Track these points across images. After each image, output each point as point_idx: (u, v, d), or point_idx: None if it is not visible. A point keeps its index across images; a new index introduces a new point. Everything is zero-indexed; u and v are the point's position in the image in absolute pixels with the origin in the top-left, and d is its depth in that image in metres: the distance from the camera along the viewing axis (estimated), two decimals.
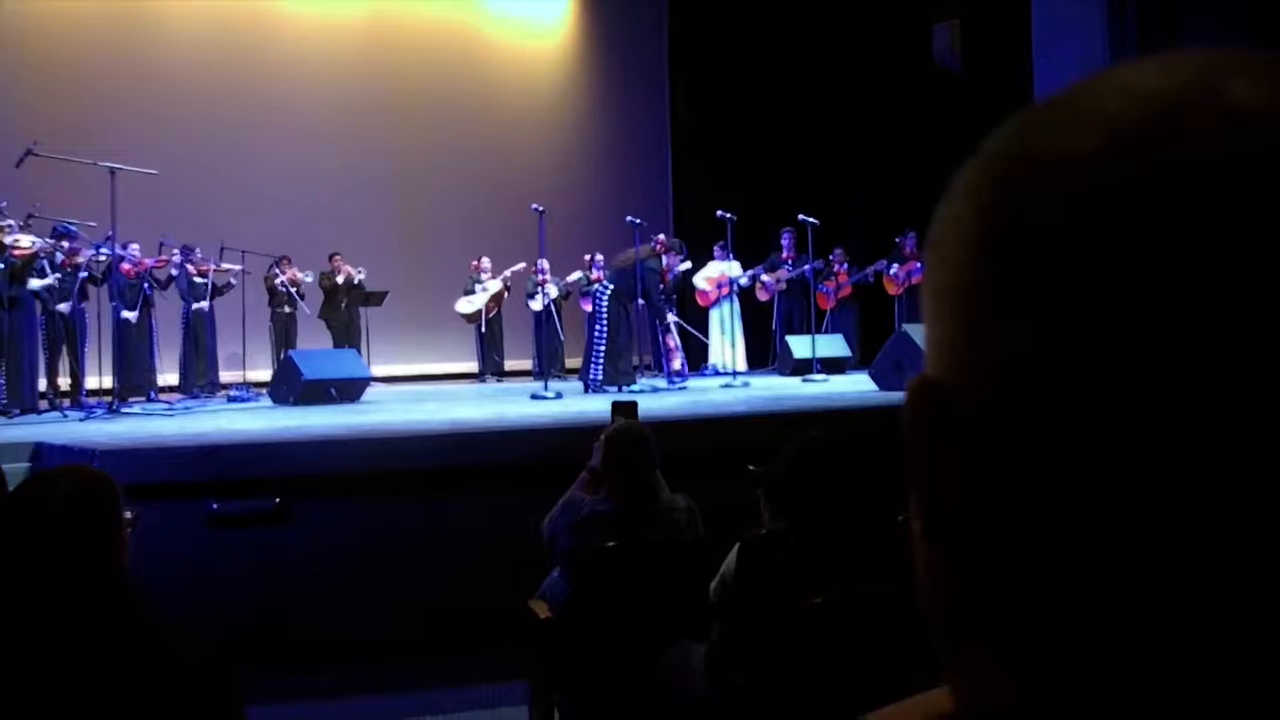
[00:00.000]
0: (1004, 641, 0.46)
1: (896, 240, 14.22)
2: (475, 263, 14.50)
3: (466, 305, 14.49)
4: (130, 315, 11.27)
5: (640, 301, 11.71)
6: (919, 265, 13.59)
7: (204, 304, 12.36)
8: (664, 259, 11.53)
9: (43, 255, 10.16)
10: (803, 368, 12.67)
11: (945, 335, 0.47)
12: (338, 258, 13.74)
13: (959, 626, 0.48)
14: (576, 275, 13.71)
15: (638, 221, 11.32)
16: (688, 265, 13.47)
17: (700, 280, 14.03)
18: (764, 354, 14.64)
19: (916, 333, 10.40)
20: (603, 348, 11.22)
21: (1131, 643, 0.42)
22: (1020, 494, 0.44)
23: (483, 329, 14.49)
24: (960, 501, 0.46)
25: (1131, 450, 0.41)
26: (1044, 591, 0.44)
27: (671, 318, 12.74)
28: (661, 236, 11.94)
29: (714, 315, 14.21)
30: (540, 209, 10.87)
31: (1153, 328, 0.40)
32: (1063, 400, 0.42)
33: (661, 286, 11.72)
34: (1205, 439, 0.40)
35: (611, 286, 11.31)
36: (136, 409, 10.08)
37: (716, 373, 13.59)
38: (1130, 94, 0.44)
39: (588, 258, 13.55)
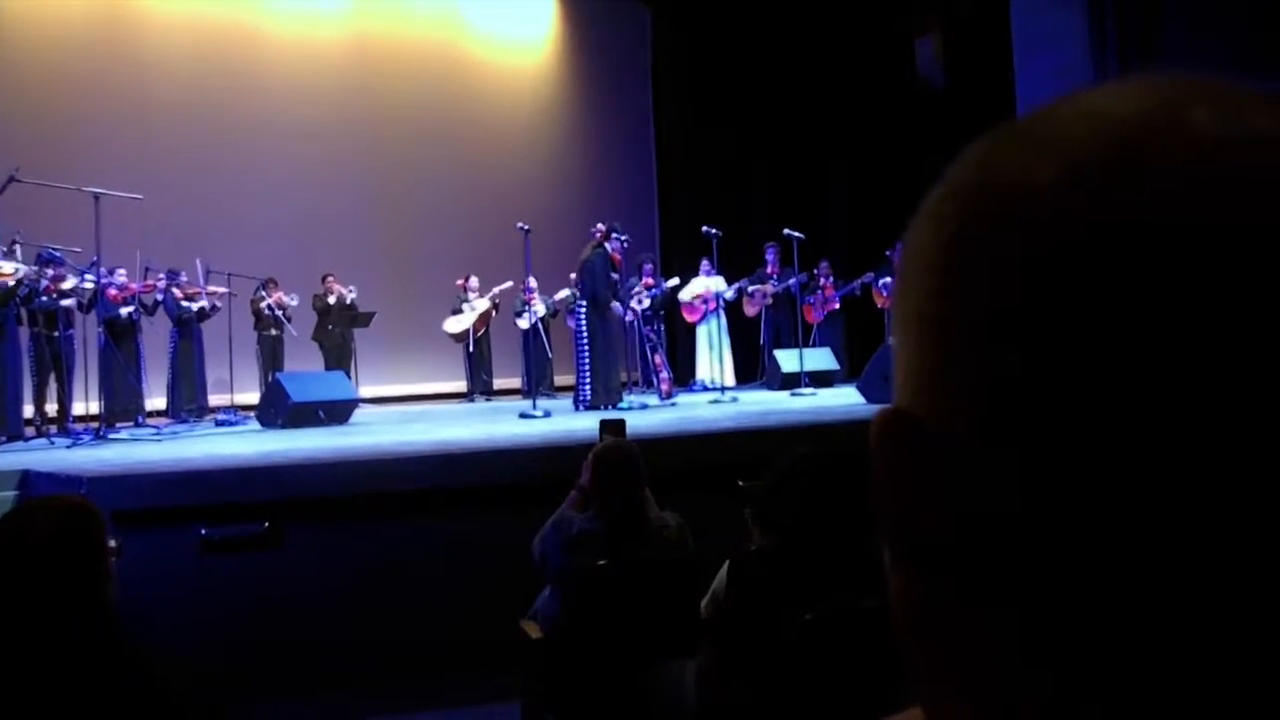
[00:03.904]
0: (973, 669, 0.46)
1: (886, 254, 14.24)
2: (462, 282, 14.50)
3: (454, 324, 14.48)
4: (127, 310, 11.28)
5: (622, 313, 11.69)
6: None
7: (201, 303, 12.35)
8: (608, 245, 11.32)
9: (27, 282, 10.14)
10: (791, 381, 12.68)
11: (912, 364, 0.47)
12: (330, 278, 13.74)
13: (930, 653, 0.48)
14: (564, 293, 13.72)
15: (599, 231, 11.30)
16: (675, 282, 13.49)
17: (686, 296, 14.05)
18: (752, 369, 14.65)
19: None
20: (586, 364, 11.22)
21: (1097, 672, 0.42)
22: (985, 523, 0.44)
23: (471, 348, 14.49)
24: (928, 530, 0.46)
25: (1093, 481, 0.41)
26: (1009, 620, 0.44)
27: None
28: (601, 227, 11.67)
29: (701, 331, 14.22)
30: (526, 228, 10.88)
31: (1114, 359, 0.40)
32: (1025, 431, 0.42)
33: (615, 275, 11.40)
34: (1167, 470, 0.40)
35: (584, 300, 11.35)
36: (124, 434, 10.04)
37: (705, 388, 13.59)
38: (1092, 122, 0.44)
39: (574, 276, 13.58)
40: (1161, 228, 0.40)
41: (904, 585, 0.49)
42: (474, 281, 14.45)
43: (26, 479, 6.79)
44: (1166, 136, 0.42)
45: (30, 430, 10.28)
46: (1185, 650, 0.40)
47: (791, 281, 13.53)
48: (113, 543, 2.39)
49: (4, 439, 9.61)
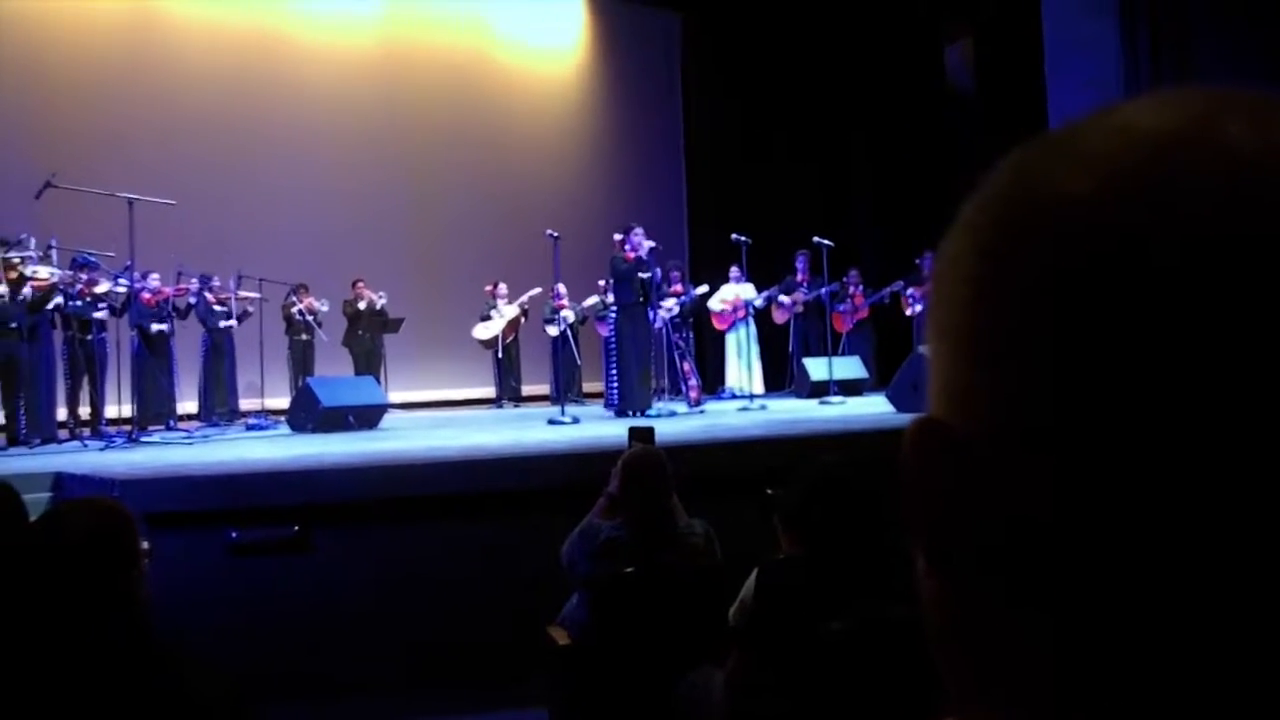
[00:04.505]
0: (1006, 677, 0.46)
1: (915, 262, 14.21)
2: (491, 288, 14.54)
3: (483, 331, 14.53)
4: (161, 326, 11.39)
5: (655, 320, 11.70)
6: None
7: (232, 322, 12.46)
8: (627, 243, 11.33)
9: (62, 286, 10.24)
10: (820, 390, 12.66)
11: (947, 374, 0.48)
12: (360, 284, 13.81)
13: (963, 661, 0.48)
14: (592, 300, 13.74)
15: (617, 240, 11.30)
16: (704, 289, 13.48)
17: (715, 303, 14.04)
18: (781, 377, 14.63)
19: None
20: (614, 369, 11.24)
21: (1133, 682, 0.42)
22: (1018, 532, 0.44)
23: (499, 354, 14.52)
24: (961, 538, 0.47)
25: (1126, 491, 0.41)
26: (1043, 628, 0.44)
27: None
28: (618, 236, 11.64)
29: (730, 339, 14.20)
30: (555, 235, 10.90)
31: (1148, 372, 0.40)
32: (1059, 441, 0.42)
33: (644, 275, 11.23)
34: (1200, 481, 0.40)
35: (615, 306, 11.38)
36: (156, 438, 10.12)
37: (733, 396, 13.58)
38: (1126, 135, 0.44)
39: (602, 283, 13.60)
40: (1195, 241, 0.40)
41: (937, 593, 0.49)
42: (503, 288, 14.50)
43: (59, 480, 6.85)
44: (1201, 150, 0.42)
45: (63, 433, 10.38)
46: (1221, 661, 0.40)
47: (823, 290, 13.50)
48: (145, 545, 2.41)
49: (38, 441, 9.69)
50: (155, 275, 11.72)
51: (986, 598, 0.46)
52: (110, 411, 10.78)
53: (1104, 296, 0.41)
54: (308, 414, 10.68)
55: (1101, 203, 0.42)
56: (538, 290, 13.98)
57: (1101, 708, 0.42)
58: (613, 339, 11.38)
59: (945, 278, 0.48)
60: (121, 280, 10.61)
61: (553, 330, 13.51)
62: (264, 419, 11.83)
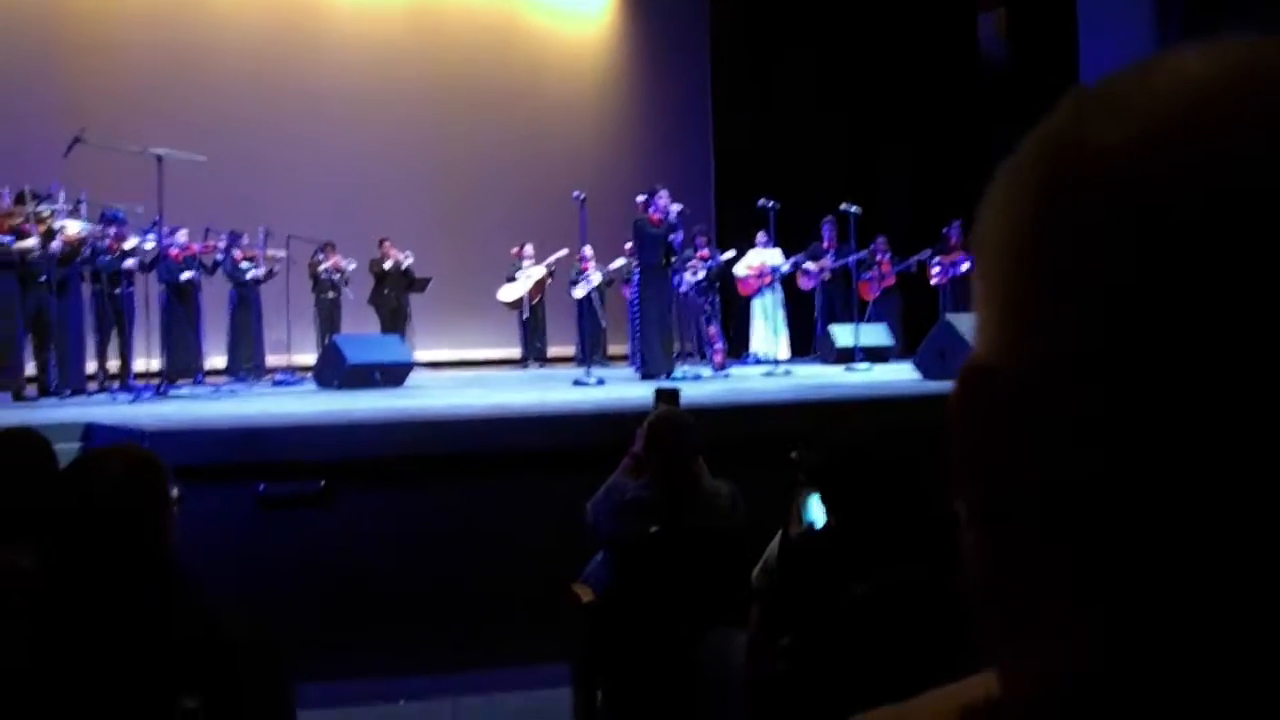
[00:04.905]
0: (1048, 630, 0.46)
1: (943, 231, 14.12)
2: (516, 250, 14.53)
3: (508, 292, 14.53)
4: (189, 274, 11.46)
5: (679, 284, 11.67)
6: (963, 256, 13.51)
7: (259, 271, 12.51)
8: (651, 206, 11.27)
9: (91, 240, 10.29)
10: (846, 356, 12.62)
11: (995, 320, 0.47)
12: (387, 243, 13.83)
13: (1003, 613, 0.48)
14: (619, 262, 13.72)
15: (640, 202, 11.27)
16: (731, 255, 13.43)
17: (741, 269, 13.99)
18: (806, 343, 14.60)
19: (960, 322, 10.34)
20: (636, 331, 11.24)
21: (1177, 637, 0.42)
22: (1067, 481, 0.44)
23: (525, 316, 14.53)
24: (1006, 488, 0.46)
25: (1178, 442, 0.41)
26: (1088, 581, 0.44)
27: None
28: (641, 198, 11.56)
29: (756, 304, 14.16)
30: (582, 196, 10.87)
31: (1202, 320, 0.40)
32: (1110, 389, 0.42)
33: (672, 238, 11.18)
34: (1251, 432, 0.40)
35: (639, 269, 11.38)
36: (184, 391, 10.19)
37: (758, 361, 13.56)
38: (1176, 82, 0.44)
39: (628, 245, 13.57)
40: (1245, 190, 0.40)
41: (980, 544, 0.49)
42: (528, 249, 14.48)
43: (89, 431, 6.91)
44: (1251, 96, 0.42)
45: (92, 385, 10.45)
46: (1272, 620, 0.40)
47: (851, 259, 13.44)
48: (175, 492, 2.43)
49: (68, 392, 9.78)
50: (184, 231, 11.77)
51: (1031, 548, 0.46)
52: (138, 365, 10.85)
53: (1154, 247, 0.41)
54: (334, 371, 10.74)
55: (1153, 149, 0.42)
56: (564, 252, 13.96)
57: (1149, 667, 0.42)
58: (636, 302, 11.37)
59: (993, 226, 0.48)
60: (150, 236, 10.65)
61: (579, 292, 13.49)
62: (291, 375, 11.89)
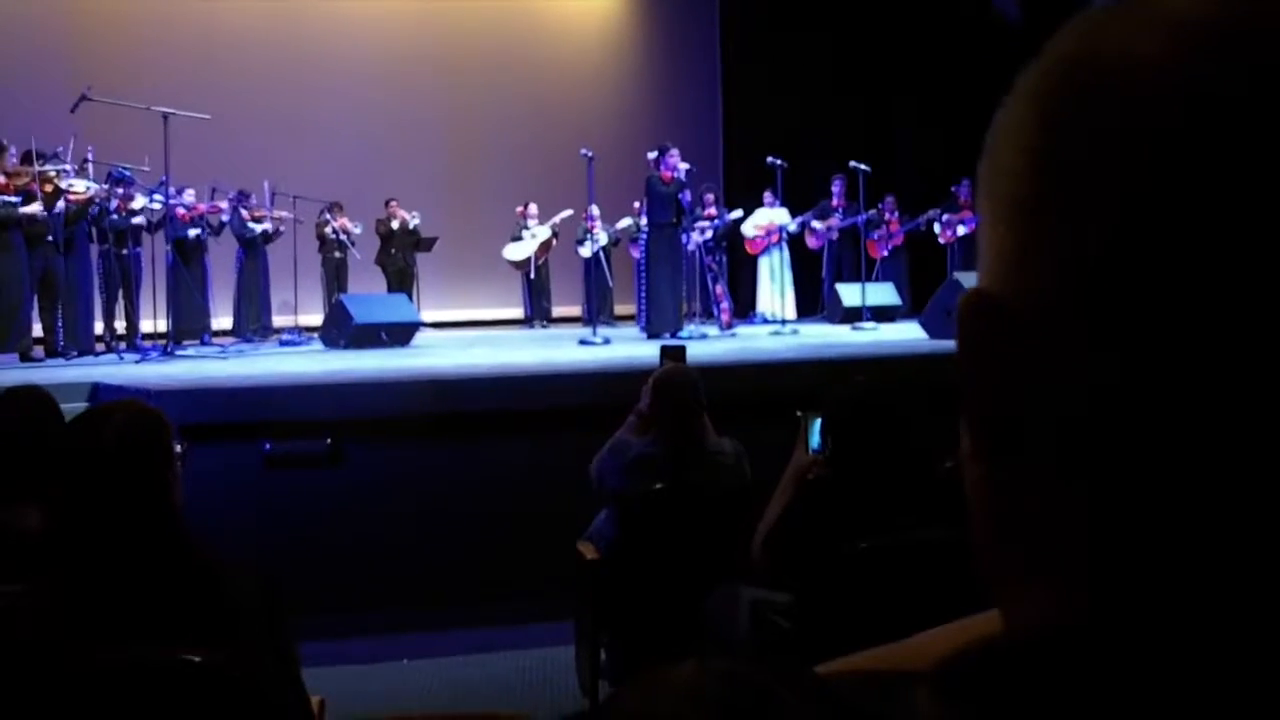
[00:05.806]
0: (1053, 561, 0.45)
1: (952, 190, 14.05)
2: (521, 209, 14.49)
3: (514, 252, 14.50)
4: (196, 231, 11.45)
5: (688, 243, 11.65)
6: (972, 216, 13.45)
7: (265, 226, 12.51)
8: (662, 164, 11.25)
9: (98, 200, 10.27)
10: (852, 315, 12.60)
11: (1002, 245, 0.46)
12: (394, 203, 13.81)
13: (1007, 546, 0.47)
14: (626, 222, 13.68)
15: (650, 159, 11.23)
16: (738, 214, 13.38)
17: (749, 228, 13.93)
18: (813, 302, 14.56)
19: (969, 281, 10.31)
20: (643, 291, 11.22)
21: (1184, 566, 0.40)
22: (1073, 405, 0.43)
23: (531, 275, 14.52)
24: (1013, 413, 0.45)
25: (1188, 362, 0.40)
26: (1095, 510, 0.43)
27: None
28: (652, 155, 11.46)
29: (763, 263, 14.11)
30: (590, 155, 10.83)
31: (1221, 239, 0.39)
32: (1119, 311, 0.41)
33: (682, 196, 11.15)
34: (1262, 353, 0.38)
35: (648, 227, 11.35)
36: (191, 351, 10.21)
37: (765, 320, 13.54)
38: None
39: (637, 205, 13.52)
40: (1272, 103, 0.39)
41: (983, 475, 0.48)
42: (533, 209, 14.43)
43: (96, 391, 6.93)
44: (1277, 5, 0.40)
45: (100, 346, 10.47)
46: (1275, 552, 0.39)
47: (860, 217, 13.38)
48: (179, 447, 2.43)
49: (75, 353, 9.80)
50: (190, 191, 11.76)
51: (1035, 476, 0.45)
52: (145, 326, 10.87)
53: (1173, 161, 0.40)
54: (341, 330, 10.74)
55: (1173, 63, 0.41)
56: (569, 212, 13.92)
57: (1155, 598, 0.41)
58: (644, 260, 11.35)
59: (1002, 148, 0.47)
60: (156, 196, 10.64)
61: (585, 251, 13.47)
62: (297, 335, 11.91)
